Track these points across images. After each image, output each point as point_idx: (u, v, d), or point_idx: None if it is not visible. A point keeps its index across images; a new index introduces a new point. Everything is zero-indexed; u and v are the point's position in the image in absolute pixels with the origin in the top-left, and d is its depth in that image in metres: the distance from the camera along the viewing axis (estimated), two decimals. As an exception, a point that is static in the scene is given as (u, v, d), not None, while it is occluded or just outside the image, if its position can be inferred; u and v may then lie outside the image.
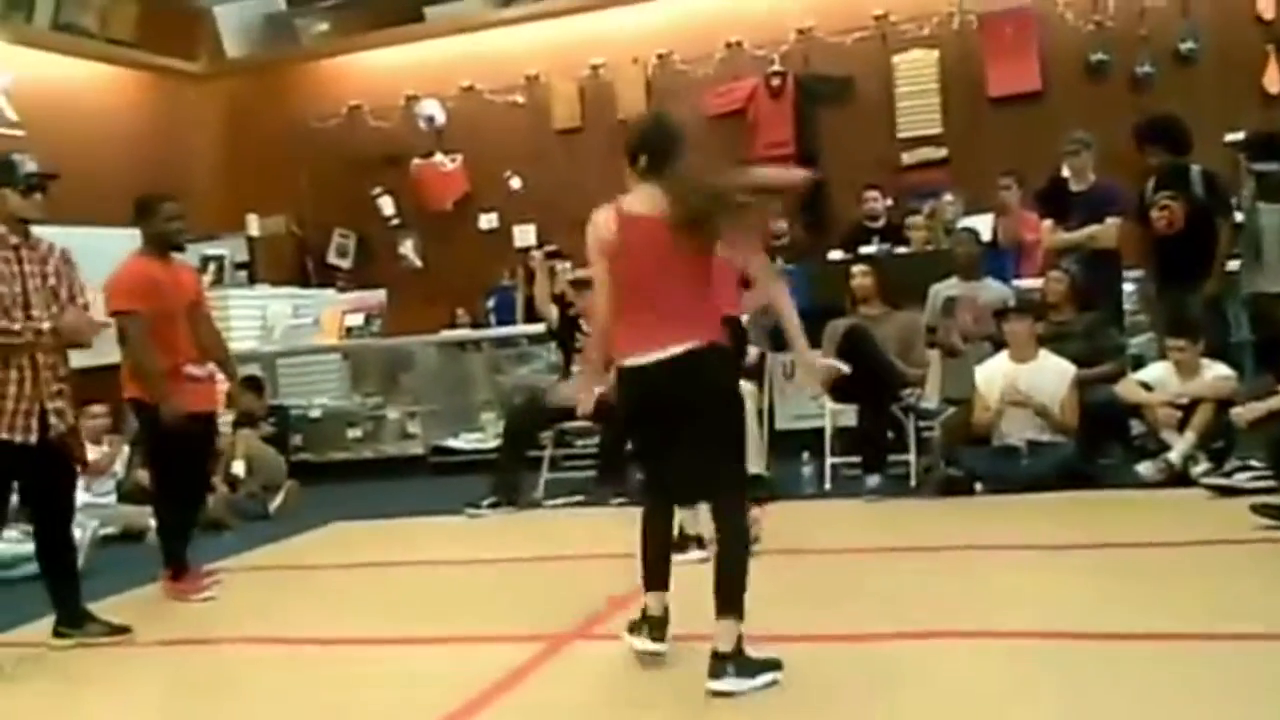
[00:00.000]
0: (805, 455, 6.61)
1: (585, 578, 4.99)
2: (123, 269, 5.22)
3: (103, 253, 8.53)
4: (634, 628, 3.72)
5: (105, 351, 8.41)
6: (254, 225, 10.27)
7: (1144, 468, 5.89)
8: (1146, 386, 6.17)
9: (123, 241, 9.07)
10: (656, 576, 3.70)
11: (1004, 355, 6.33)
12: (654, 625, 3.67)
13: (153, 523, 6.74)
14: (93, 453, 7.04)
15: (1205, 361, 6.07)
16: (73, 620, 4.55)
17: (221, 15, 11.19)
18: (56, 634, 4.53)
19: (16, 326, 4.25)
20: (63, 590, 4.57)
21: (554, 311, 7.32)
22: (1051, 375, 6.19)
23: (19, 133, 9.36)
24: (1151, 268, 6.71)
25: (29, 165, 4.41)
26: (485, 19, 10.68)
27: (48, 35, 9.77)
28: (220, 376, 5.52)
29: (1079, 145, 6.97)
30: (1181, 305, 6.38)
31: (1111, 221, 6.81)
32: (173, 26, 10.81)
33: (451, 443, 8.90)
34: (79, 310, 4.48)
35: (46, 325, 4.32)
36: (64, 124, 9.76)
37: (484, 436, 8.77)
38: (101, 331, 4.69)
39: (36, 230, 4.48)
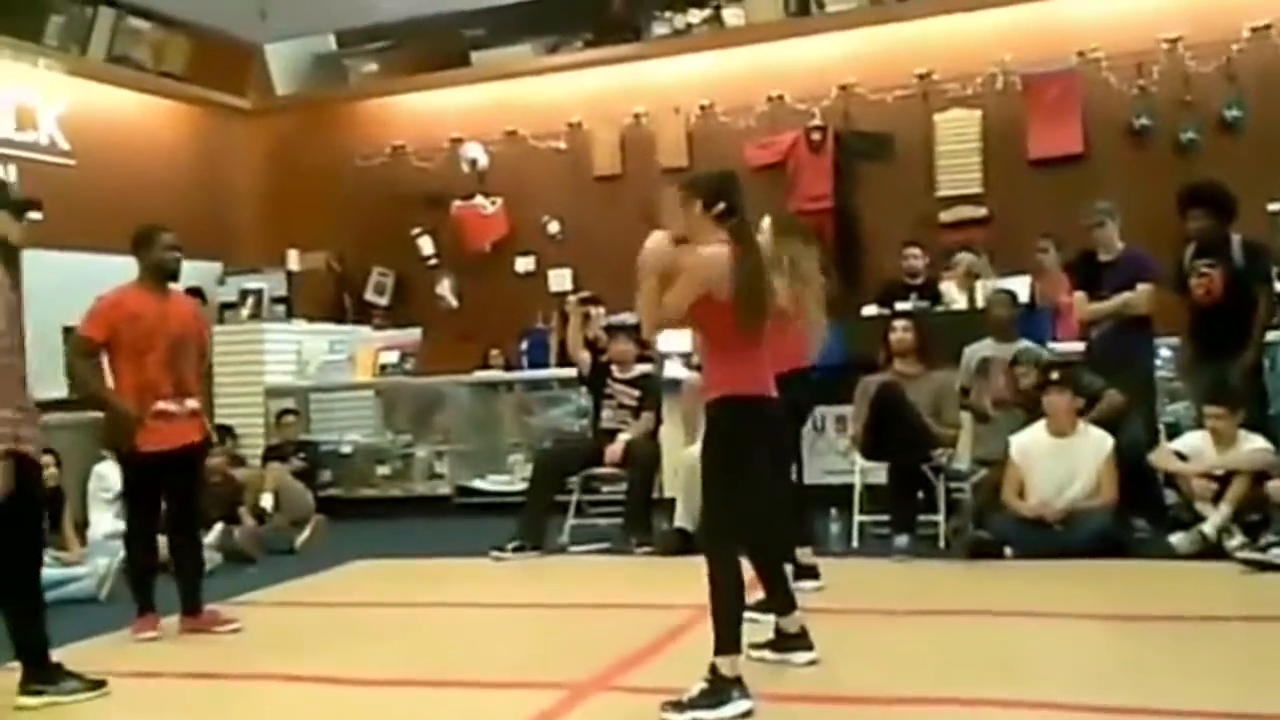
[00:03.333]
0: (833, 512, 6.56)
1: (608, 627, 4.97)
2: (106, 296, 5.18)
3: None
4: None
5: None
6: (294, 260, 10.38)
7: (1177, 539, 5.79)
8: (1182, 456, 6.10)
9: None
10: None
11: (1041, 427, 6.23)
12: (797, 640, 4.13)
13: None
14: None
15: (1243, 433, 5.99)
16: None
17: (272, 53, 11.39)
18: (27, 691, 4.16)
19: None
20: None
21: (586, 357, 7.33)
22: (1090, 449, 6.10)
23: (70, 162, 9.53)
24: (1189, 336, 6.64)
25: (17, 190, 4.33)
26: (530, 65, 10.81)
27: (102, 67, 9.97)
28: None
29: (1103, 216, 6.92)
30: (1220, 373, 6.30)
31: (1143, 287, 6.75)
32: (224, 62, 11.00)
33: (478, 484, 8.92)
34: None
35: None
36: (114, 154, 9.94)
37: (511, 479, 8.77)
38: None
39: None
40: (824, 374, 6.32)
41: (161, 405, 5.10)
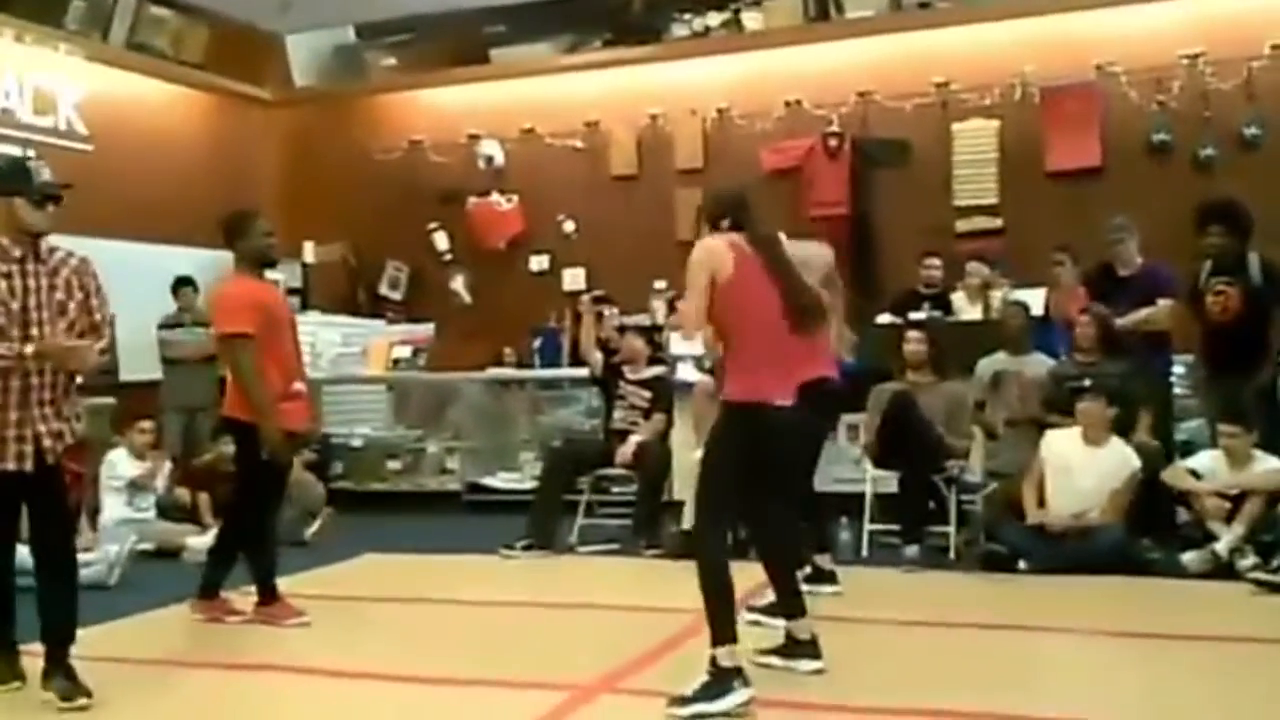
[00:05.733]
0: (843, 520, 6.55)
1: (615, 629, 4.98)
2: (228, 288, 5.18)
3: (159, 269, 8.65)
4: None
5: (150, 367, 8.50)
6: (310, 252, 10.40)
7: (1189, 558, 5.77)
8: (1195, 475, 6.08)
9: (179, 259, 9.20)
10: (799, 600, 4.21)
11: (1077, 432, 6.18)
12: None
13: (192, 541, 6.82)
14: (135, 468, 7.14)
15: (1257, 453, 5.97)
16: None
17: (292, 44, 11.40)
18: None
19: (10, 350, 3.87)
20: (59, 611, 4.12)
21: (598, 357, 7.34)
22: (1115, 464, 6.07)
23: (87, 147, 9.55)
24: (1204, 354, 6.62)
25: (44, 174, 4.08)
26: (549, 64, 10.82)
27: (121, 54, 9.99)
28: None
29: (1122, 232, 6.93)
30: (1234, 392, 6.28)
31: (1164, 303, 6.75)
32: (243, 52, 11.02)
33: (488, 481, 8.93)
34: (61, 339, 3.98)
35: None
36: (131, 141, 9.96)
37: (521, 477, 8.78)
38: (95, 362, 4.05)
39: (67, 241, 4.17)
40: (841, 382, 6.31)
41: (297, 385, 5.21)
